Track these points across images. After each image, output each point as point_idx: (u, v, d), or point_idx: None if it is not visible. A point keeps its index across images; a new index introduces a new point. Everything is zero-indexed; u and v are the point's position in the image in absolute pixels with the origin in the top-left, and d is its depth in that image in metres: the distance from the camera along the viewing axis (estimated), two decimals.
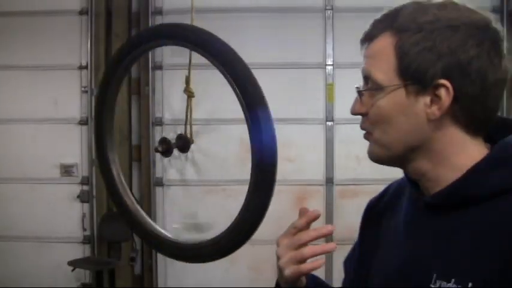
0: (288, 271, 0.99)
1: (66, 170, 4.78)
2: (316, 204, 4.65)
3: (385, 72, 0.91)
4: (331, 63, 4.61)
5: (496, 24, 0.90)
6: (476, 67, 0.87)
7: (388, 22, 0.92)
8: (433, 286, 0.88)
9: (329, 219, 4.62)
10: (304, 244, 1.00)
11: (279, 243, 1.03)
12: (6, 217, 4.72)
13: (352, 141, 4.59)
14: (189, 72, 2.20)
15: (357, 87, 0.96)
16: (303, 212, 1.03)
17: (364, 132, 0.98)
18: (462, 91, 0.87)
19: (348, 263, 1.20)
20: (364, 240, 1.14)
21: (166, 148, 2.19)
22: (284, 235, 1.03)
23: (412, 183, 1.00)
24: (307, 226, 1.03)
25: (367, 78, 0.94)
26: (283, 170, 5.01)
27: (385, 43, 0.91)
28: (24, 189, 4.75)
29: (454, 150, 0.92)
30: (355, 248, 1.18)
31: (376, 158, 0.98)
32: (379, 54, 0.92)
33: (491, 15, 0.91)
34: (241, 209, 1.66)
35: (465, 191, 0.89)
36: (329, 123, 4.63)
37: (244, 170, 4.63)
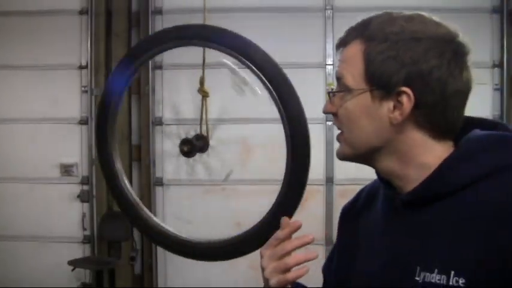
0: (274, 281, 1.04)
1: (66, 170, 4.78)
2: (316, 204, 4.65)
3: (354, 76, 0.97)
4: (331, 63, 4.61)
5: (462, 39, 0.95)
6: (436, 77, 0.92)
7: (360, 30, 0.98)
8: (417, 278, 0.92)
9: (329, 219, 4.63)
10: (288, 254, 1.05)
11: (262, 254, 1.08)
12: (6, 217, 4.73)
13: None
14: (203, 72, 2.19)
15: (327, 89, 1.05)
16: (285, 223, 1.09)
17: (337, 135, 1.05)
18: (422, 99, 0.93)
19: (326, 270, 1.23)
20: (343, 244, 1.17)
21: (190, 148, 2.17)
22: (267, 246, 1.08)
23: (384, 182, 1.05)
24: (289, 237, 1.08)
25: (339, 80, 1.00)
26: (283, 169, 5.01)
27: (356, 50, 0.97)
28: (24, 189, 4.75)
29: (419, 151, 0.97)
30: (332, 257, 1.21)
31: (342, 156, 1.04)
32: (350, 59, 0.98)
33: (458, 29, 0.96)
34: (272, 207, 1.63)
35: (436, 188, 0.94)
36: (329, 123, 4.63)
37: (244, 170, 4.65)
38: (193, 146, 2.21)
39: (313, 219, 4.66)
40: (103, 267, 4.65)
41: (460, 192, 0.92)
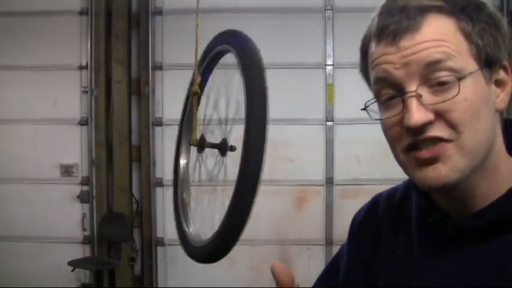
0: None
1: (66, 170, 4.78)
2: (316, 205, 4.65)
3: (462, 55, 0.73)
4: (331, 63, 4.61)
5: None
6: None
7: (435, 7, 0.75)
8: None
9: (329, 220, 4.62)
10: None
11: None
12: (7, 217, 4.72)
13: (352, 141, 4.59)
14: (196, 71, 2.19)
15: (414, 91, 0.72)
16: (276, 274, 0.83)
17: (430, 153, 0.73)
18: None
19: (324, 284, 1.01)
20: (358, 263, 0.94)
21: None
22: None
23: (428, 203, 0.82)
24: None
25: (436, 64, 0.72)
26: (283, 170, 5.02)
27: (445, 26, 0.73)
28: (24, 190, 4.75)
29: (500, 156, 0.78)
30: (335, 272, 0.98)
31: (460, 174, 0.73)
32: (445, 36, 0.73)
33: None
34: (225, 216, 1.66)
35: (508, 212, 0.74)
36: (329, 123, 4.63)
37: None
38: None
39: (313, 220, 4.66)
40: (103, 268, 4.65)
41: None
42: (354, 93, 5.45)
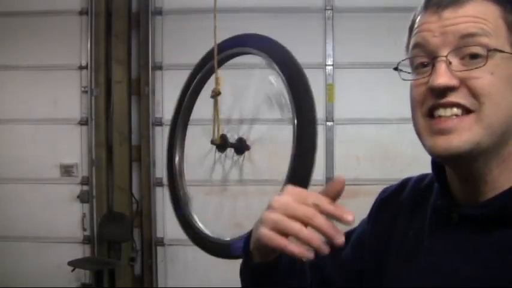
0: (265, 232, 0.75)
1: (66, 170, 4.78)
2: None
3: (498, 37, 0.75)
4: (331, 63, 4.61)
5: None
6: None
7: None
8: None
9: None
10: (308, 217, 0.75)
11: (278, 199, 0.79)
12: (6, 217, 4.73)
13: (352, 141, 4.59)
14: (216, 72, 2.19)
15: (445, 56, 0.75)
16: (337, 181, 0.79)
17: (449, 118, 0.75)
18: None
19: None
20: (372, 238, 0.95)
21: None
22: (293, 193, 0.77)
23: (442, 188, 0.83)
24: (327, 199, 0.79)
25: (468, 37, 0.75)
26: (283, 170, 5.01)
27: (488, 9, 0.76)
28: (24, 189, 4.75)
29: None
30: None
31: (473, 146, 0.74)
32: (487, 17, 0.76)
33: None
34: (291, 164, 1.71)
35: None
36: (329, 123, 4.63)
37: (244, 171, 4.63)
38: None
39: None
40: (103, 268, 4.65)
41: None
42: (354, 93, 5.47)
